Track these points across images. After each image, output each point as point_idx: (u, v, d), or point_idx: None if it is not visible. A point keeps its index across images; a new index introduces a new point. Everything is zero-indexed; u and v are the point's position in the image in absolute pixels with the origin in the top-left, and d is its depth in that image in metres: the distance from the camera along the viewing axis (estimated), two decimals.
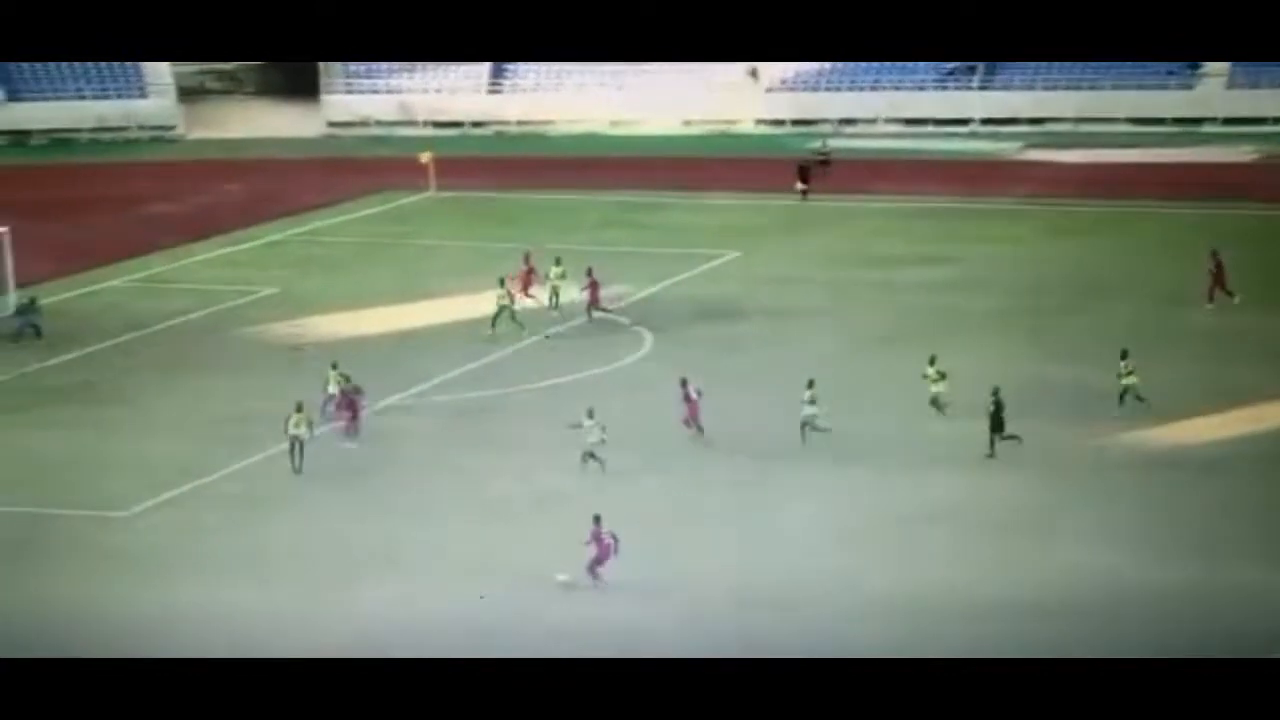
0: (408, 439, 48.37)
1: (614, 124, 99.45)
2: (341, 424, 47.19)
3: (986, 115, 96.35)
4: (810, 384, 46.54)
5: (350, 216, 78.25)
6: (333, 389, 46.68)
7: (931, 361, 49.61)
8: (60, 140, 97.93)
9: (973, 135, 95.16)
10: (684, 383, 47.86)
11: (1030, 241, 71.16)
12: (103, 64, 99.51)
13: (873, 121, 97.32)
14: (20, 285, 61.15)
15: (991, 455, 45.20)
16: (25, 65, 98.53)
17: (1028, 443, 46.88)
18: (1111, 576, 38.17)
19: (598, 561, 37.45)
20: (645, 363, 54.29)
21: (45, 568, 39.80)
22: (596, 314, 56.73)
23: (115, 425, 50.08)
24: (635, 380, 49.26)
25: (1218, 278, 58.78)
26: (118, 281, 66.35)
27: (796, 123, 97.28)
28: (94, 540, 41.35)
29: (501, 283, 57.70)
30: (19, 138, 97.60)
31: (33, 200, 78.53)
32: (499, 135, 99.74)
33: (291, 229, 74.81)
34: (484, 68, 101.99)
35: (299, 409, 44.09)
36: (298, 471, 43.93)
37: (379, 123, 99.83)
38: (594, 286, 57.14)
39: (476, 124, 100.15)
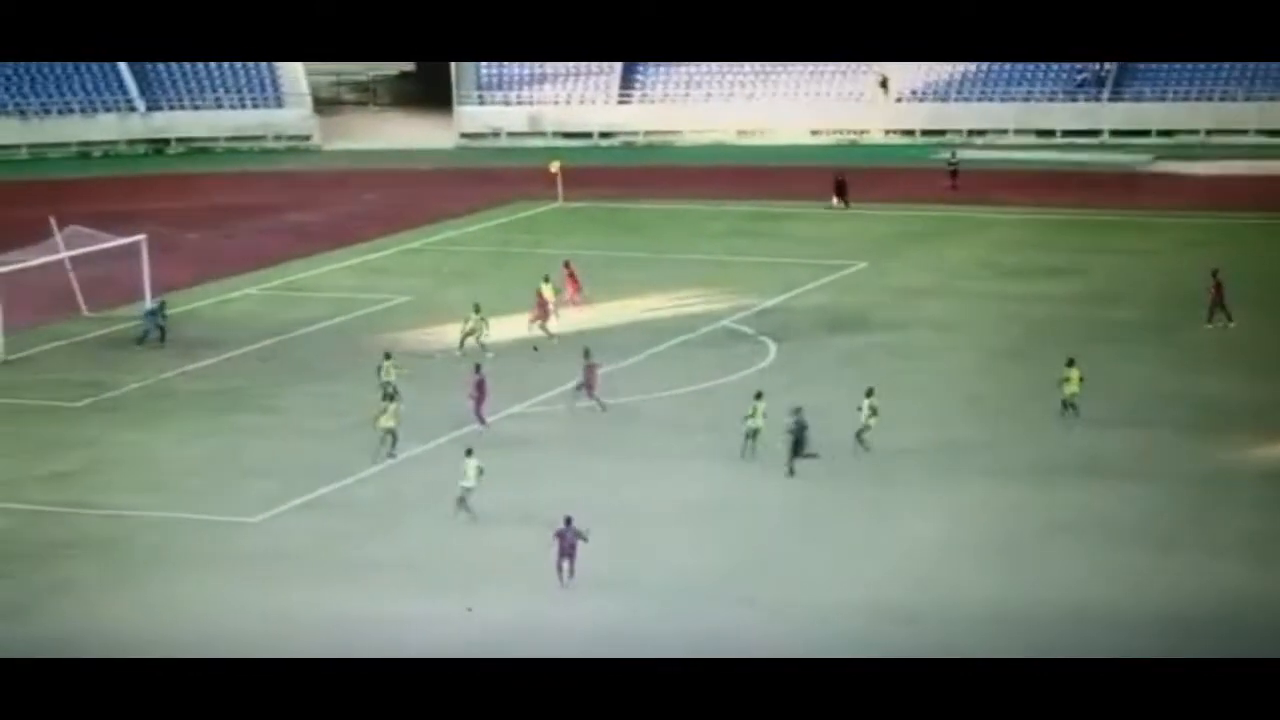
0: (536, 445, 48.49)
1: (741, 133, 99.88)
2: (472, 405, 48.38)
3: (1116, 127, 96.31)
4: (869, 393, 46.29)
5: (482, 226, 78.78)
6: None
7: (1070, 364, 49.43)
8: (198, 149, 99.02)
9: (1103, 147, 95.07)
10: (586, 353, 49.96)
11: (1160, 254, 70.81)
12: (241, 74, 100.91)
13: (1003, 132, 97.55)
14: (157, 292, 61.92)
15: (790, 474, 45.14)
16: (165, 75, 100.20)
17: (1156, 454, 46.99)
18: (1233, 587, 38.17)
19: (562, 555, 37.90)
20: (769, 373, 54.21)
21: (177, 573, 40.09)
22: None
23: (251, 431, 50.64)
24: (757, 389, 47.98)
25: (1217, 297, 58.35)
26: (254, 289, 66.95)
27: (926, 133, 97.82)
28: (226, 546, 41.66)
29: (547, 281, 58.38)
30: (158, 146, 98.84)
31: (171, 208, 79.80)
32: (627, 145, 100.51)
33: (425, 238, 75.36)
34: (614, 79, 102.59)
35: (389, 397, 45.28)
36: (391, 456, 44.89)
37: (510, 133, 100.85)
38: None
39: (604, 134, 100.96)
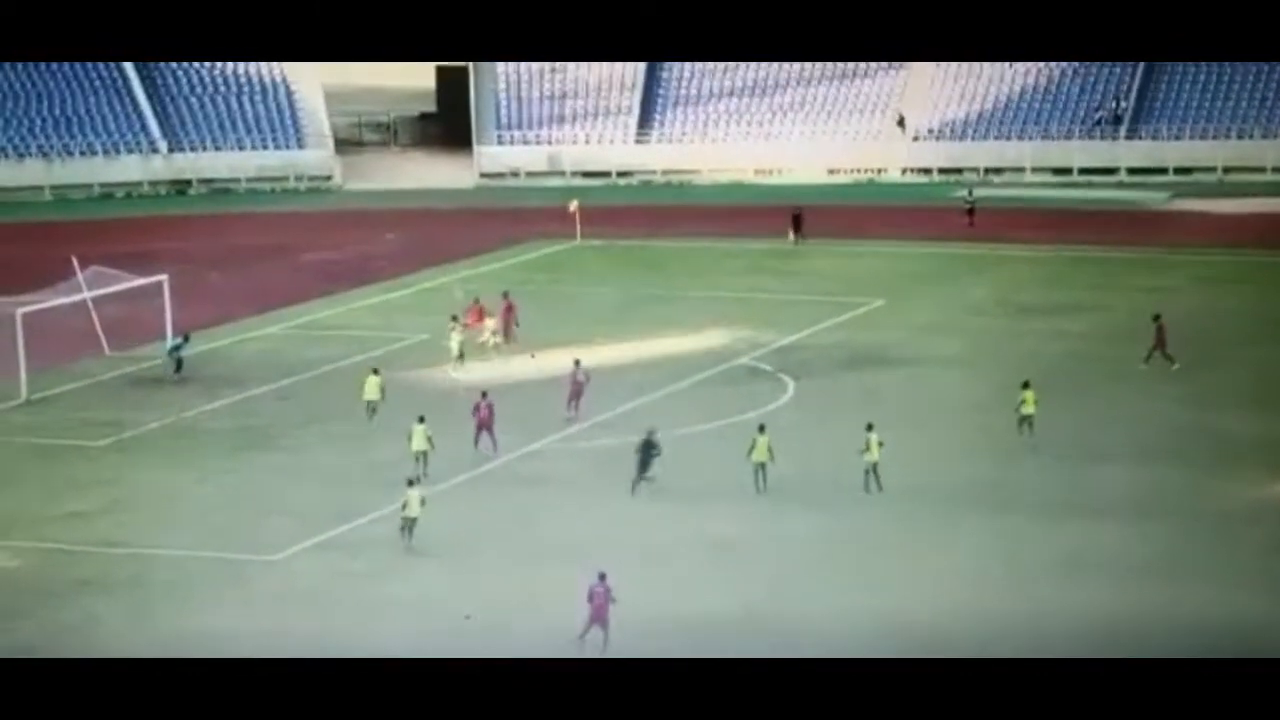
0: (553, 484, 48.45)
1: (758, 172, 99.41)
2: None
3: (1133, 165, 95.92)
4: (870, 427, 46.37)
5: (501, 264, 78.32)
6: (421, 445, 47.38)
7: (1025, 385, 50.48)
8: (220, 190, 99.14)
9: (1119, 185, 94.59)
10: (577, 363, 51.38)
11: (1176, 291, 70.28)
12: (263, 115, 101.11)
13: (1020, 171, 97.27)
14: (179, 331, 62.00)
15: (633, 493, 46.07)
16: (187, 116, 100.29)
17: (1169, 490, 46.89)
18: (1248, 621, 38.13)
19: (598, 616, 36.49)
20: (787, 409, 54.21)
21: (196, 611, 40.10)
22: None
23: (271, 469, 50.49)
24: (775, 426, 48.59)
25: (1159, 341, 58.37)
26: (274, 328, 66.70)
27: (943, 171, 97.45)
28: (245, 584, 41.73)
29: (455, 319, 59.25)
30: (180, 187, 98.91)
31: (192, 249, 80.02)
32: (645, 184, 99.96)
33: (444, 277, 74.51)
34: (632, 118, 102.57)
35: (411, 484, 43.93)
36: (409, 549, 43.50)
37: (529, 173, 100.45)
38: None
39: (623, 173, 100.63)
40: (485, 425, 49.06)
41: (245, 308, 69.07)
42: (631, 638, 36.46)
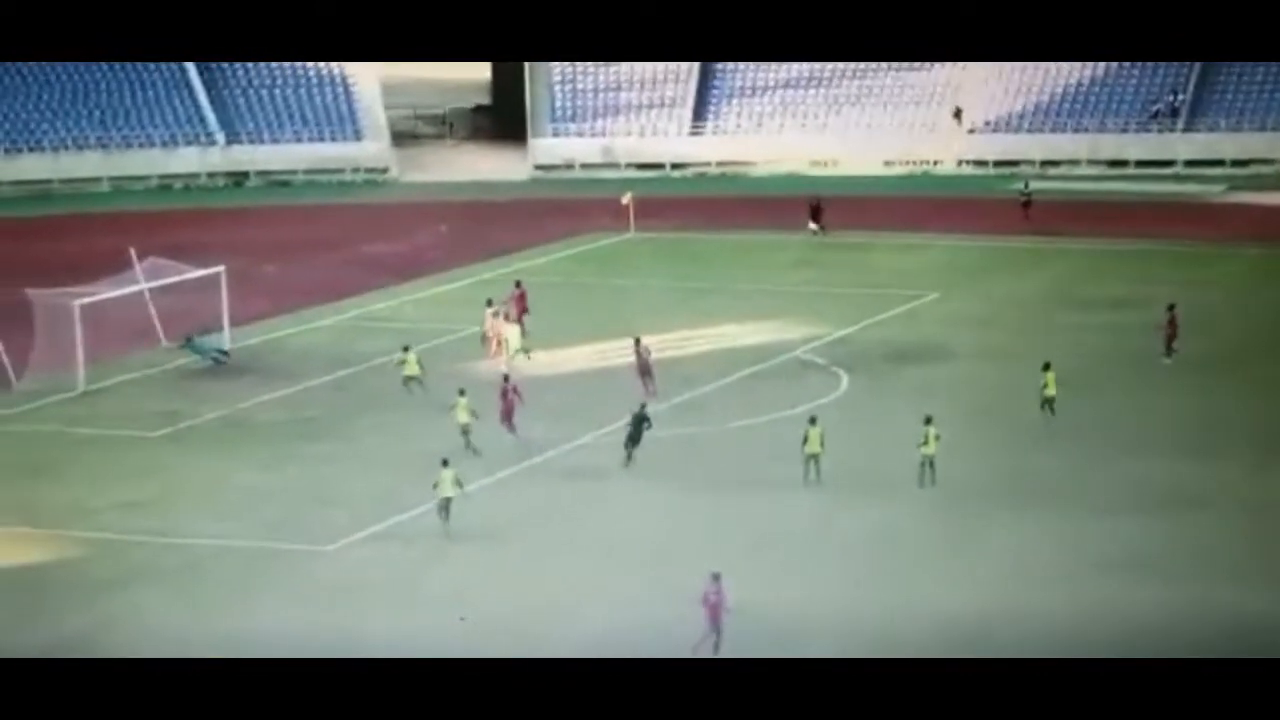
0: (604, 477, 48.18)
1: (814, 164, 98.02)
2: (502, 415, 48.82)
3: (1190, 157, 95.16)
4: (928, 420, 46.28)
5: (554, 257, 78.04)
6: (464, 418, 48.10)
7: (1046, 367, 50.96)
8: (277, 182, 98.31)
9: (1176, 178, 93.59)
10: (637, 341, 52.29)
11: (1233, 285, 69.99)
12: (320, 108, 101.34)
13: (1076, 163, 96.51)
14: (235, 323, 61.54)
15: (627, 465, 46.98)
16: (245, 109, 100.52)
17: (1223, 485, 46.70)
18: None
19: (713, 620, 35.66)
20: (841, 403, 54.08)
21: (251, 601, 40.13)
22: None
23: (325, 460, 50.20)
24: (828, 420, 48.27)
25: (1171, 332, 58.02)
26: (329, 320, 66.44)
27: (999, 163, 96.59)
28: (300, 574, 41.71)
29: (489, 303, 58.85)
30: (237, 179, 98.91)
31: (250, 239, 79.95)
32: (699, 177, 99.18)
33: (498, 269, 74.14)
34: (686, 111, 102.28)
35: (446, 464, 43.82)
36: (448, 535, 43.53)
37: (583, 165, 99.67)
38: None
39: (677, 165, 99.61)
40: (509, 414, 49.25)
41: (301, 300, 68.88)
42: (677, 632, 36.28)
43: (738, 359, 58.82)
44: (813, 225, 78.93)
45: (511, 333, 57.01)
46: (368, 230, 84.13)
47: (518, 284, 61.30)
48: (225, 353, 60.08)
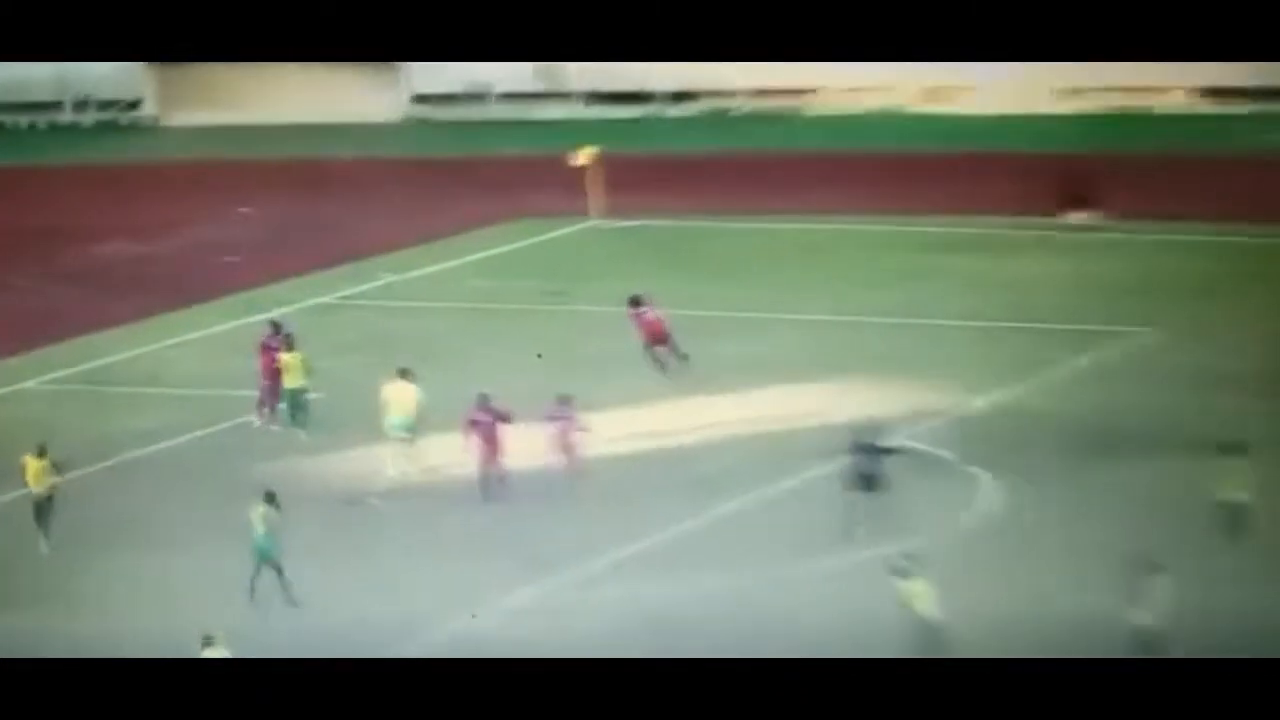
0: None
1: (928, 96, 76.05)
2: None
3: None
4: (1150, 566, 37.03)
5: (444, 265, 61.25)
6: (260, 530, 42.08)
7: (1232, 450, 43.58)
8: None
9: None
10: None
11: None
12: None
13: None
14: None
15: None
16: None
17: None
18: None
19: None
20: (975, 541, 42.31)
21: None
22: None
23: None
24: (949, 571, 37.05)
25: None
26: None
27: (1260, 95, 75.38)
28: None
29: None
30: None
31: None
32: (718, 116, 78.43)
33: (353, 285, 59.38)
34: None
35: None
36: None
37: (501, 97, 78.00)
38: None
39: (678, 97, 77.24)
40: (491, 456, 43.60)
41: None
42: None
43: (791, 449, 47.34)
44: (1074, 212, 63.75)
45: (403, 396, 46.75)
46: (98, 215, 67.62)
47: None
48: None
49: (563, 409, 40.12)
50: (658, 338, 49.37)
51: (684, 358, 48.60)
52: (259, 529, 38.87)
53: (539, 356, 52.26)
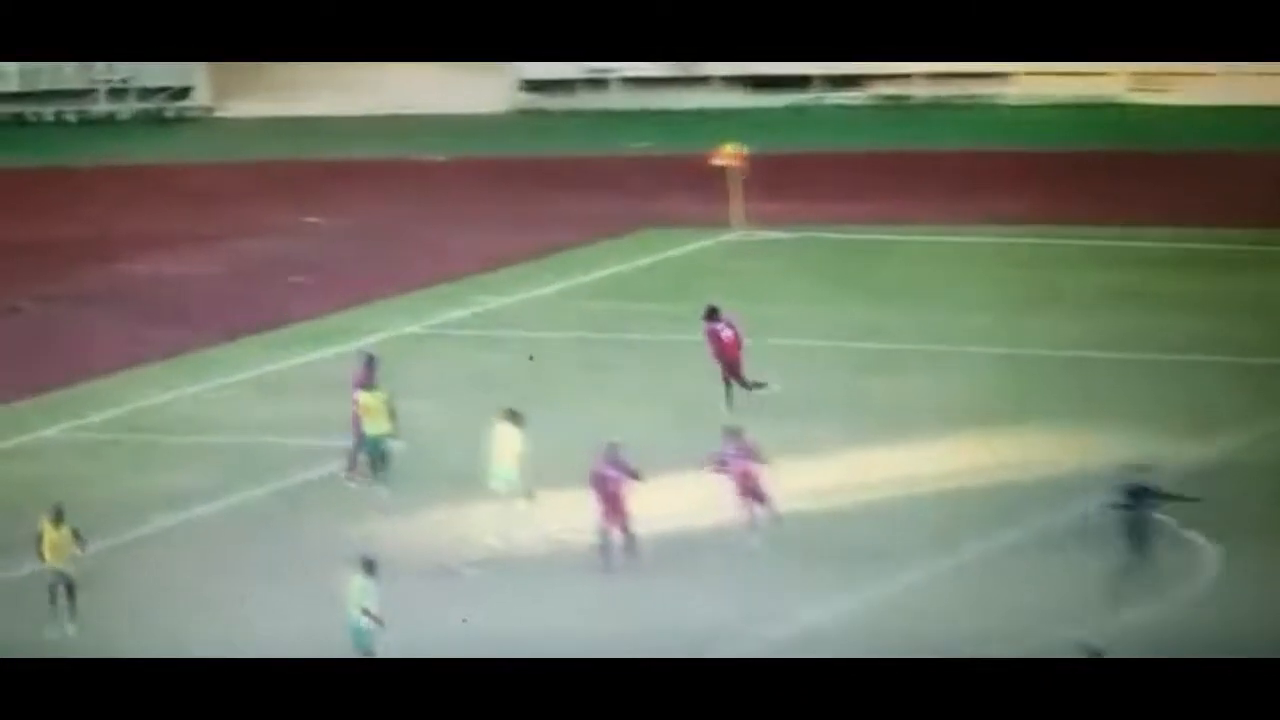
0: None
1: (1139, 82, 69.28)
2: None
3: None
4: None
5: (549, 289, 55.54)
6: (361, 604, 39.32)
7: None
8: None
9: None
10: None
11: None
12: None
13: None
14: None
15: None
16: None
17: None
18: None
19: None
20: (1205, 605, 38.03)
21: None
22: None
23: None
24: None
25: None
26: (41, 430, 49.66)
27: None
28: None
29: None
30: None
31: None
32: (889, 105, 72.92)
33: (446, 311, 54.43)
34: None
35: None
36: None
37: (624, 80, 72.28)
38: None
39: (839, 81, 71.04)
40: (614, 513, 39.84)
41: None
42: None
43: (980, 507, 41.07)
44: None
45: (509, 443, 41.11)
46: (135, 225, 61.72)
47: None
48: None
49: (737, 445, 36.00)
50: (730, 362, 45.18)
51: (758, 386, 43.74)
52: (357, 608, 33.52)
53: (530, 359, 48.88)
